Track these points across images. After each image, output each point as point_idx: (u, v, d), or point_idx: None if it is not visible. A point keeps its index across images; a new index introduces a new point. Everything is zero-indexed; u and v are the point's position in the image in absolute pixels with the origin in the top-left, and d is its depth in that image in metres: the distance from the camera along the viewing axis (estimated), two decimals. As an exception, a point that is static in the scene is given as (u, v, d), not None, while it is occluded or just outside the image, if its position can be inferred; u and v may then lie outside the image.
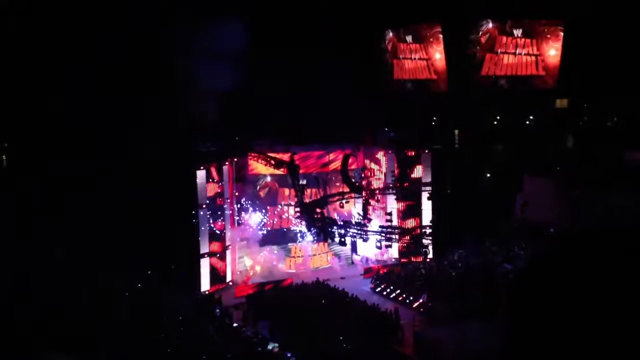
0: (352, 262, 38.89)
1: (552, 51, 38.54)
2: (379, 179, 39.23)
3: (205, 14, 32.93)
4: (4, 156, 35.33)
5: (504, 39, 38.59)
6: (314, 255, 38.02)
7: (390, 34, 42.06)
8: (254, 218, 37.93)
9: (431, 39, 39.98)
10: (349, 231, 33.96)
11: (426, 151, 38.56)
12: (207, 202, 34.00)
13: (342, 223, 34.47)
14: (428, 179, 38.29)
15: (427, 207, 38.01)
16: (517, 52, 38.75)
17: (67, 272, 26.27)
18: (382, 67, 42.68)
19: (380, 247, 35.92)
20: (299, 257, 38.00)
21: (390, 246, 36.09)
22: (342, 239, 34.03)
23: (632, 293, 1.00)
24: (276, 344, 25.48)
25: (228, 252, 35.69)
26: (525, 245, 32.30)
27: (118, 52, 32.30)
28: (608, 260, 1.06)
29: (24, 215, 28.44)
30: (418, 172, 38.30)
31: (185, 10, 33.17)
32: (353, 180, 37.48)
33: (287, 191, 38.38)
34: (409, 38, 41.27)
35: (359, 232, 33.94)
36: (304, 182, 36.03)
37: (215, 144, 35.48)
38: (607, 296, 1.01)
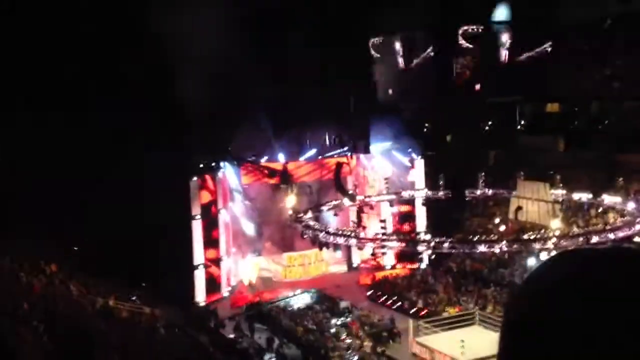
0: (347, 270, 38.74)
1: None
2: (372, 186, 39.21)
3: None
4: None
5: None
6: (310, 263, 37.83)
7: (381, 40, 42.19)
8: (250, 226, 37.73)
9: (422, 48, 40.17)
10: (342, 239, 33.81)
11: (419, 157, 38.70)
12: (202, 211, 33.84)
13: (335, 231, 34.32)
14: (422, 185, 38.37)
15: (421, 213, 38.08)
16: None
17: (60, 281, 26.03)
18: (375, 74, 42.81)
19: (375, 255, 35.84)
20: (294, 265, 37.79)
21: (385, 253, 35.99)
22: (337, 247, 33.93)
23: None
24: (273, 355, 25.37)
25: (223, 262, 35.49)
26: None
27: (111, 53, 32.03)
28: (610, 278, 1.00)
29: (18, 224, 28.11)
30: (412, 177, 38.42)
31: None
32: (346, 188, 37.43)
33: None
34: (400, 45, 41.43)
35: (354, 240, 33.79)
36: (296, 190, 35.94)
37: (209, 153, 35.36)
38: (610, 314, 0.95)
